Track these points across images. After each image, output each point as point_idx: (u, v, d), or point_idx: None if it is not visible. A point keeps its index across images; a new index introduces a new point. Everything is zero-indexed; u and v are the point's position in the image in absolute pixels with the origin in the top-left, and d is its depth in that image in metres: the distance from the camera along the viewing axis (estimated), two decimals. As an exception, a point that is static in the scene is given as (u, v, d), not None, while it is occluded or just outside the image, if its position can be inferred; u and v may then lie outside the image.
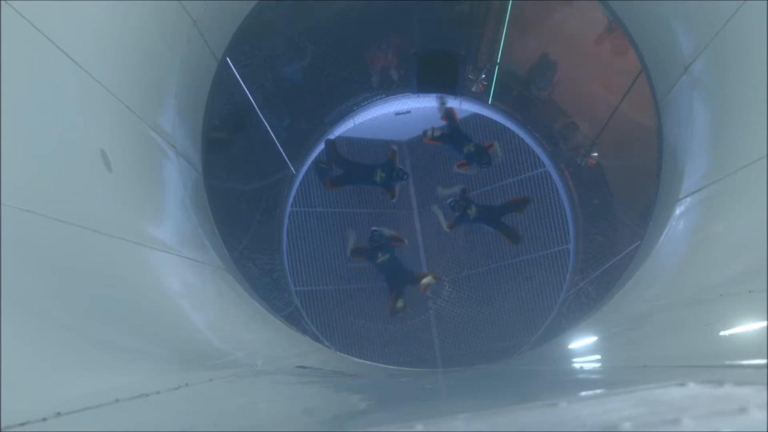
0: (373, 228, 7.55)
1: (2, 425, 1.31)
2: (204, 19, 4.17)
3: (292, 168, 8.37)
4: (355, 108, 8.37)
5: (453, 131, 8.10)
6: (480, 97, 8.34)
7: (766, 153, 2.83)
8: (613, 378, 3.24)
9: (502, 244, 8.73)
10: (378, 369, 6.46)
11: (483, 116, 8.68)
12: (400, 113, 8.59)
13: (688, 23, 3.87)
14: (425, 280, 7.62)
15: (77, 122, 2.63)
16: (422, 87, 8.10)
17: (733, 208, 3.28)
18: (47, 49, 2.34)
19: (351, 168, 8.03)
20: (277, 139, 7.67)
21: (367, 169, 7.98)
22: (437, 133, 8.06)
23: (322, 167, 8.11)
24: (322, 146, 8.58)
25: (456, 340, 8.89)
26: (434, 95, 8.35)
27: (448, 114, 8.13)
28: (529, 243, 8.58)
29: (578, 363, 4.69)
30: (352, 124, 8.54)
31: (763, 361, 1.94)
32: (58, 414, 1.49)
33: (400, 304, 7.48)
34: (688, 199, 3.99)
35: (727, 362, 2.22)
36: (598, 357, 4.45)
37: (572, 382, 3.63)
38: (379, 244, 7.34)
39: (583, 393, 2.76)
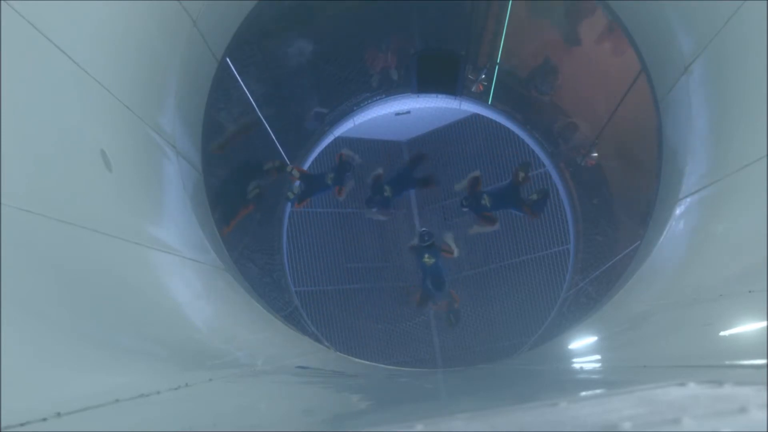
0: (424, 229, 7.57)
1: (2, 425, 1.31)
2: (204, 19, 4.17)
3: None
4: (355, 108, 8.36)
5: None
6: (480, 97, 8.33)
7: (766, 153, 2.83)
8: (613, 378, 3.24)
9: (502, 244, 8.73)
10: (378, 369, 6.46)
11: (483, 116, 8.68)
12: (400, 113, 8.58)
13: (688, 23, 3.87)
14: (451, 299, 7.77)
15: (77, 122, 2.63)
16: (422, 87, 8.08)
17: (733, 208, 3.28)
18: (47, 50, 2.34)
19: (308, 181, 7.86)
20: (277, 139, 7.67)
21: (318, 178, 7.84)
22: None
23: (291, 198, 7.96)
24: (322, 147, 8.58)
25: (456, 340, 8.89)
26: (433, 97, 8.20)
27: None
28: (529, 243, 8.58)
29: (578, 363, 4.68)
30: (352, 124, 8.53)
31: (763, 361, 1.94)
32: (58, 414, 1.50)
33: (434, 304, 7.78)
34: (688, 199, 3.99)
35: (727, 362, 2.22)
36: (598, 357, 4.45)
37: (572, 382, 3.63)
38: (428, 244, 7.28)
39: (583, 393, 2.76)
